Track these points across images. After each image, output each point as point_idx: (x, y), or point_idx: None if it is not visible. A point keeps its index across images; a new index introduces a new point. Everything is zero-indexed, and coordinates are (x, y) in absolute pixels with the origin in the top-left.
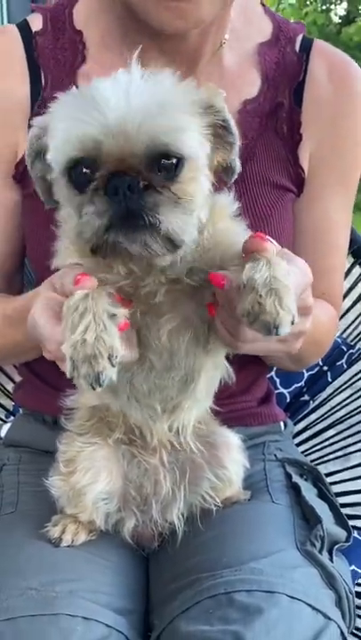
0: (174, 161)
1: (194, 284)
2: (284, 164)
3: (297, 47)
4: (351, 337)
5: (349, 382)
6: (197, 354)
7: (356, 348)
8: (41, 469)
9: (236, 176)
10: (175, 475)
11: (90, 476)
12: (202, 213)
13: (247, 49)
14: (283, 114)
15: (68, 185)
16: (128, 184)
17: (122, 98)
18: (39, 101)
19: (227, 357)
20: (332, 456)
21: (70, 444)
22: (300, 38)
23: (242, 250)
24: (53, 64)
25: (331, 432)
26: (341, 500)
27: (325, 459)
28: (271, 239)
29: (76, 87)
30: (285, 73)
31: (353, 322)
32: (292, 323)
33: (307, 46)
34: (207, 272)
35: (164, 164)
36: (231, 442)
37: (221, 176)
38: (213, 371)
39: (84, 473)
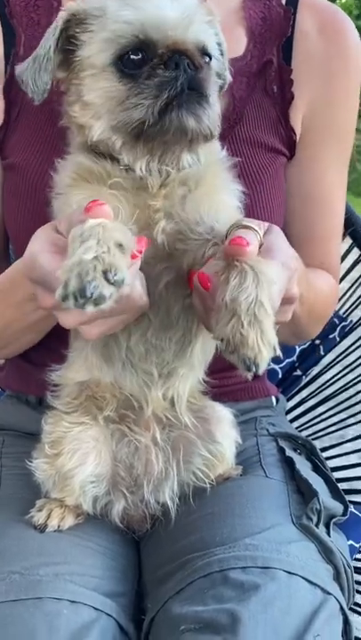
0: (208, 60)
1: (184, 235)
2: (275, 125)
3: (283, 0)
4: (343, 309)
5: (339, 358)
6: (194, 313)
7: (349, 320)
8: (24, 452)
9: (226, 87)
10: (167, 453)
11: (77, 459)
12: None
13: (231, 5)
14: (272, 72)
15: (113, 72)
16: (187, 62)
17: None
18: (13, 61)
19: None
20: (325, 432)
21: (56, 423)
22: None
23: (223, 252)
24: (27, 23)
25: (322, 408)
26: (336, 474)
27: (319, 434)
28: (250, 237)
29: None
30: (272, 28)
31: (345, 294)
32: (273, 355)
33: None
34: (194, 222)
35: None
36: (223, 416)
37: (252, 108)
38: (209, 334)
39: (72, 455)
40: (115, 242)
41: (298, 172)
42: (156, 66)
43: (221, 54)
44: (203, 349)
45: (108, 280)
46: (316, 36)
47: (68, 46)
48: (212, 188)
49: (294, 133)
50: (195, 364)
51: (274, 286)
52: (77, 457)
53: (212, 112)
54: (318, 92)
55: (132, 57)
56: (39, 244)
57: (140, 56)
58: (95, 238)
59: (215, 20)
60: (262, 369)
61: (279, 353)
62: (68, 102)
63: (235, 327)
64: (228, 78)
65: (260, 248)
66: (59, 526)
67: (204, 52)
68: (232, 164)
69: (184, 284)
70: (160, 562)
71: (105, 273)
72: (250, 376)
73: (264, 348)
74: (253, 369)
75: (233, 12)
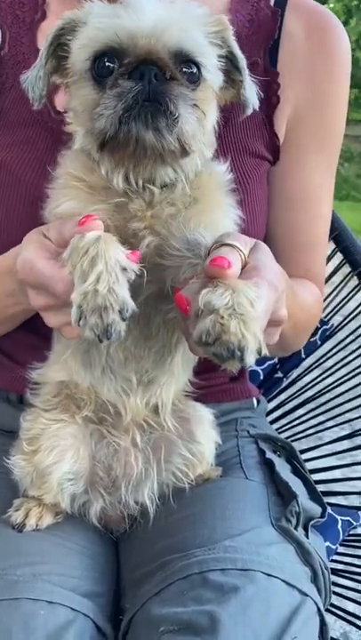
0: (195, 70)
1: (163, 250)
2: (260, 129)
3: (272, 1)
4: (325, 313)
5: (319, 362)
6: (175, 326)
7: (330, 324)
8: (3, 450)
9: (252, 109)
10: (147, 454)
11: (55, 455)
12: (205, 149)
13: (218, 6)
14: (257, 75)
15: (89, 80)
16: (155, 72)
17: (156, 4)
18: None
19: None
20: (302, 434)
21: (35, 420)
22: None
23: (204, 271)
24: (11, 20)
25: (301, 411)
26: (314, 476)
27: (296, 437)
28: (233, 257)
29: (36, 45)
30: (260, 31)
31: (326, 298)
32: (259, 354)
33: (282, 1)
34: (184, 238)
35: (186, 72)
36: (203, 416)
37: (238, 112)
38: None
39: (49, 451)
40: (120, 266)
41: (281, 176)
42: (120, 75)
43: (238, 70)
44: (184, 360)
45: (123, 319)
46: (303, 38)
47: (63, 53)
48: (205, 207)
49: (278, 138)
50: (175, 372)
51: (256, 303)
52: (55, 453)
53: (181, 127)
54: (303, 95)
55: (107, 64)
56: (33, 251)
57: (114, 64)
58: (102, 260)
59: (226, 32)
60: (249, 356)
61: (265, 351)
62: (67, 108)
63: (213, 319)
64: (254, 101)
65: (245, 267)
66: (37, 525)
67: (189, 61)
68: (233, 188)
69: (165, 298)
70: (139, 562)
71: (121, 312)
72: (237, 367)
73: (248, 334)
74: (239, 354)
75: (220, 14)
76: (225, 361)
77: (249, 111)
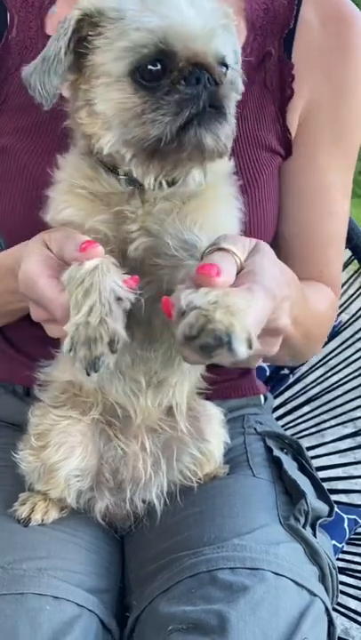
0: (225, 71)
1: (167, 254)
2: (273, 122)
3: None
4: None
5: (324, 360)
6: None
7: (338, 320)
8: (9, 443)
9: (238, 97)
10: (157, 456)
11: (63, 452)
12: None
13: None
14: (271, 66)
15: (128, 83)
16: (207, 77)
17: (195, 5)
18: (3, 44)
19: None
20: (306, 432)
21: (44, 416)
22: None
23: (192, 277)
24: (20, 4)
25: (306, 408)
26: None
27: (301, 434)
28: (225, 264)
29: (44, 30)
30: (275, 20)
31: None
32: (249, 345)
33: None
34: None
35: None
36: (213, 414)
37: (252, 106)
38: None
39: (58, 447)
40: (114, 296)
41: (294, 171)
42: (176, 80)
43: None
44: None
45: (112, 351)
46: (319, 28)
47: (78, 48)
48: (203, 202)
49: (289, 133)
50: (185, 371)
51: (245, 312)
52: (63, 450)
53: (229, 129)
54: (318, 87)
55: (150, 67)
56: (35, 265)
57: (158, 67)
58: (96, 291)
59: (231, 24)
60: (239, 345)
61: (257, 345)
62: (74, 107)
63: (196, 313)
64: (241, 88)
65: (240, 271)
66: (42, 520)
67: (223, 64)
68: (237, 178)
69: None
70: (146, 559)
71: (110, 344)
72: (229, 360)
73: (236, 321)
74: (226, 340)
75: (233, 2)
76: (213, 352)
77: (237, 97)
